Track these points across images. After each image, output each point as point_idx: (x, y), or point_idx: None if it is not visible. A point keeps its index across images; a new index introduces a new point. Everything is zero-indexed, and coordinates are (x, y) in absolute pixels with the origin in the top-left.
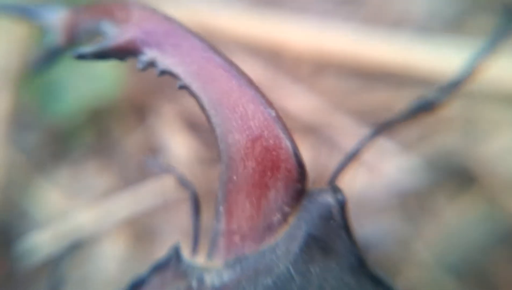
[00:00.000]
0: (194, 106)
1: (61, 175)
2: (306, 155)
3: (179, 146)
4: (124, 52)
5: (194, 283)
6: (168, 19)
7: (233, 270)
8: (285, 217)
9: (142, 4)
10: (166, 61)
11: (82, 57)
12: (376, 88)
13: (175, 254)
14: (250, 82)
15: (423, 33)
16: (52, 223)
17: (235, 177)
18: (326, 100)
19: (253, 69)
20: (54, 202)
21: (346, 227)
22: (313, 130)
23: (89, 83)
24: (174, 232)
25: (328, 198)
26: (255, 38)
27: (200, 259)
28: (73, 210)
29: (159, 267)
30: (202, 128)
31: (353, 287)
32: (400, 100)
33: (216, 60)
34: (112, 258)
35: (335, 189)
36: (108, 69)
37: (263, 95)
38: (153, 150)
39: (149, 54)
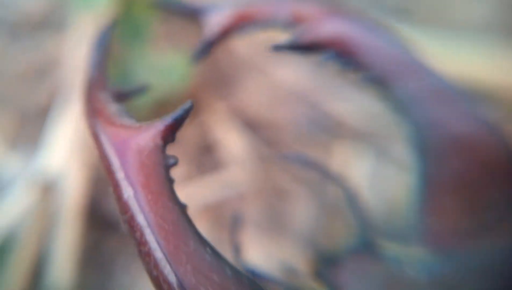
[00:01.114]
0: (247, 103)
1: None
2: (360, 164)
3: (232, 142)
4: (312, 48)
5: (396, 271)
6: (351, 15)
7: (444, 265)
8: (503, 218)
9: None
10: (355, 58)
11: (278, 48)
12: None
13: (369, 240)
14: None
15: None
16: None
17: (440, 174)
18: (379, 105)
19: (301, 70)
20: None
21: None
22: (365, 136)
23: (159, 76)
24: (246, 220)
25: None
26: None
27: (396, 248)
28: None
29: (353, 251)
30: (257, 125)
31: None
32: None
33: (410, 56)
34: None
35: None
36: (176, 64)
37: (471, 95)
38: (207, 145)
39: (334, 50)
